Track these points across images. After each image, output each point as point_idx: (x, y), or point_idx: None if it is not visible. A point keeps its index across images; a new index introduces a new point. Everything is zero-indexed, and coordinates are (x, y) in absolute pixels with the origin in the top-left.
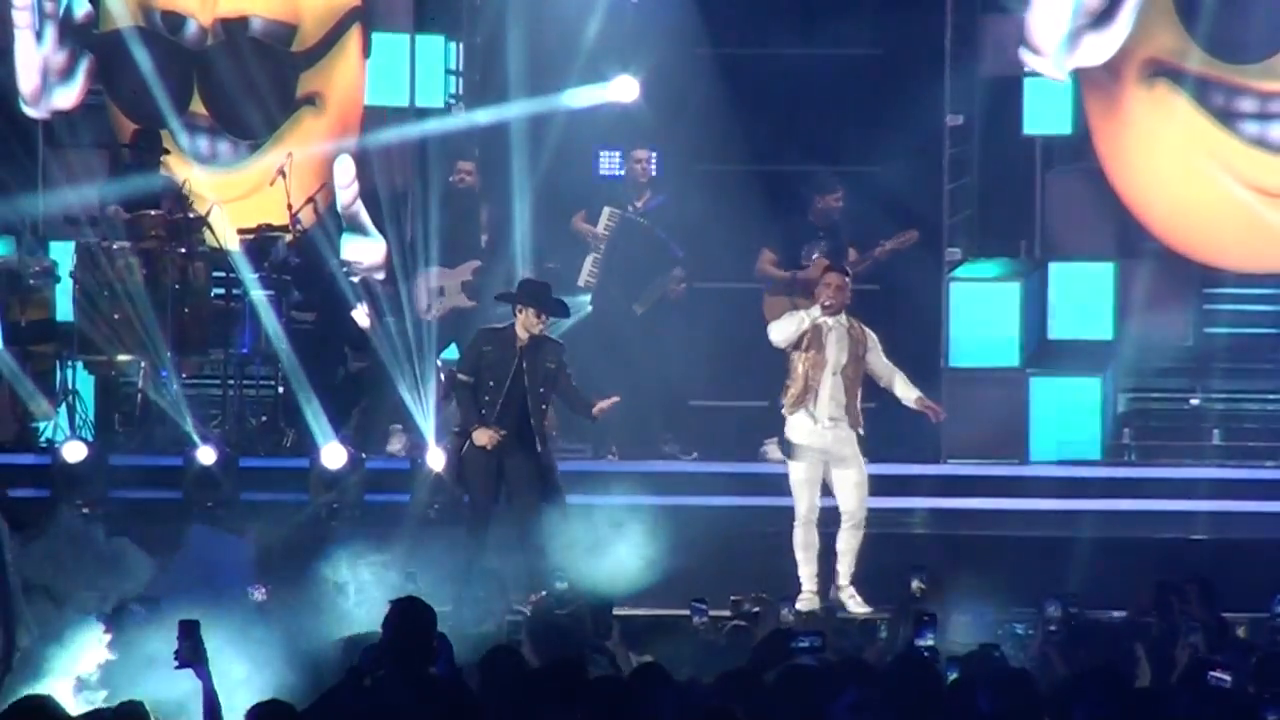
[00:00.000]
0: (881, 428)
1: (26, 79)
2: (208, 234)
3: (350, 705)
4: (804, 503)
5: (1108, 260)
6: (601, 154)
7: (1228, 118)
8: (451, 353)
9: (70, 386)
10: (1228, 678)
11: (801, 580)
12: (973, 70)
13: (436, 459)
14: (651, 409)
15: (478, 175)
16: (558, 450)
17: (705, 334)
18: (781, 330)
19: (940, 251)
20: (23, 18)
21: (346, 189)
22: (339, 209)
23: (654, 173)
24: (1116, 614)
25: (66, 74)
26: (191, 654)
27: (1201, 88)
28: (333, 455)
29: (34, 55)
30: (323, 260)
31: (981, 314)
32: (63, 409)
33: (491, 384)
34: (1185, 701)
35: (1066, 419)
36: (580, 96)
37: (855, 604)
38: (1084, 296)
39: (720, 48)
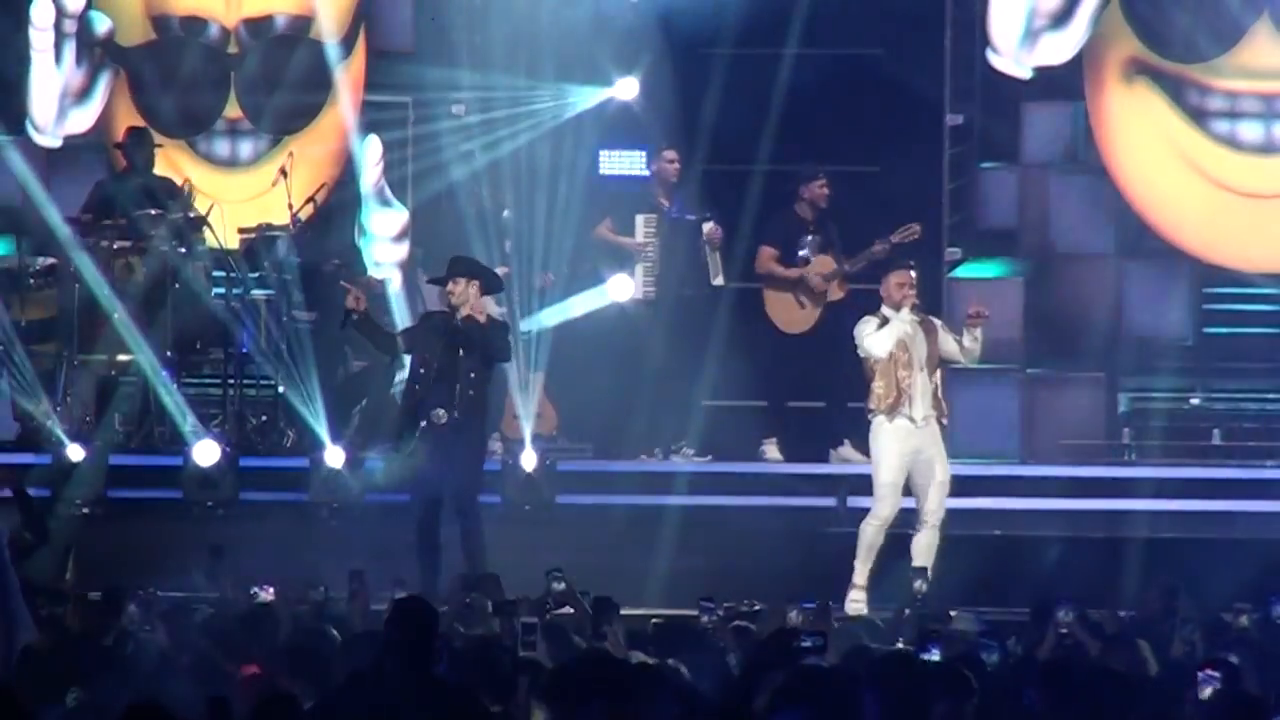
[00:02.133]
0: None
1: (42, 107)
2: (208, 234)
3: (352, 705)
4: (889, 504)
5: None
6: (601, 154)
7: (1200, 116)
8: None
9: (70, 386)
10: (1217, 675)
11: (855, 579)
12: (972, 70)
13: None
14: (667, 409)
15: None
16: (558, 450)
17: (706, 334)
18: (882, 343)
19: (940, 251)
20: (43, 40)
21: (375, 167)
22: (365, 188)
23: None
24: (1117, 614)
25: (84, 94)
26: None
27: (1177, 87)
28: (333, 455)
29: (53, 80)
30: (323, 260)
31: None
32: (63, 409)
33: (426, 356)
34: (1184, 698)
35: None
36: (580, 96)
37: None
38: None
39: (720, 48)
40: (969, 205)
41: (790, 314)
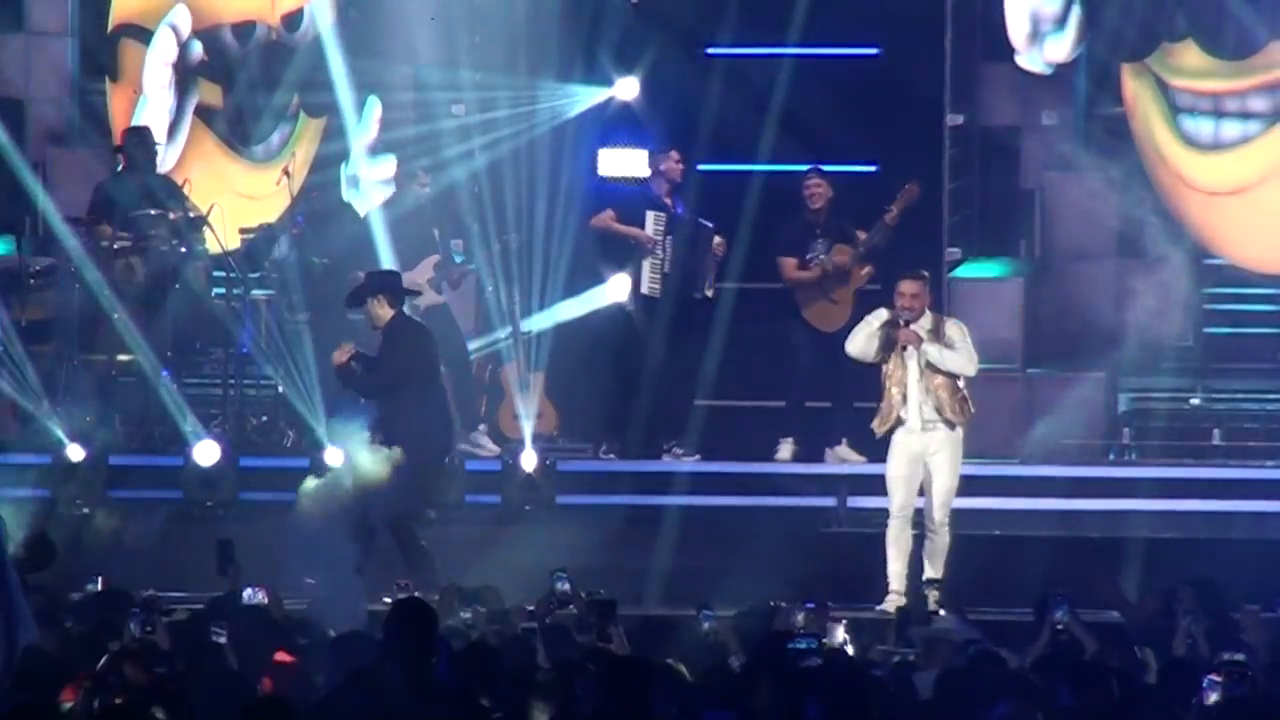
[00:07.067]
0: None
1: None
2: (208, 234)
3: (351, 705)
4: (898, 497)
5: None
6: (601, 154)
7: (1176, 113)
8: None
9: (70, 386)
10: (1221, 680)
11: (889, 579)
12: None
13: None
14: (664, 409)
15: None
16: (558, 450)
17: (708, 334)
18: (855, 344)
19: (940, 251)
20: (162, 76)
21: (377, 123)
22: (360, 144)
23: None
24: (1116, 614)
25: (174, 129)
26: None
27: (1162, 83)
28: (332, 455)
29: (163, 118)
30: (321, 259)
31: (981, 314)
32: (63, 409)
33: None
34: (1179, 694)
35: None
36: (580, 96)
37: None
38: None
39: (720, 48)
40: (970, 205)
41: (825, 313)
